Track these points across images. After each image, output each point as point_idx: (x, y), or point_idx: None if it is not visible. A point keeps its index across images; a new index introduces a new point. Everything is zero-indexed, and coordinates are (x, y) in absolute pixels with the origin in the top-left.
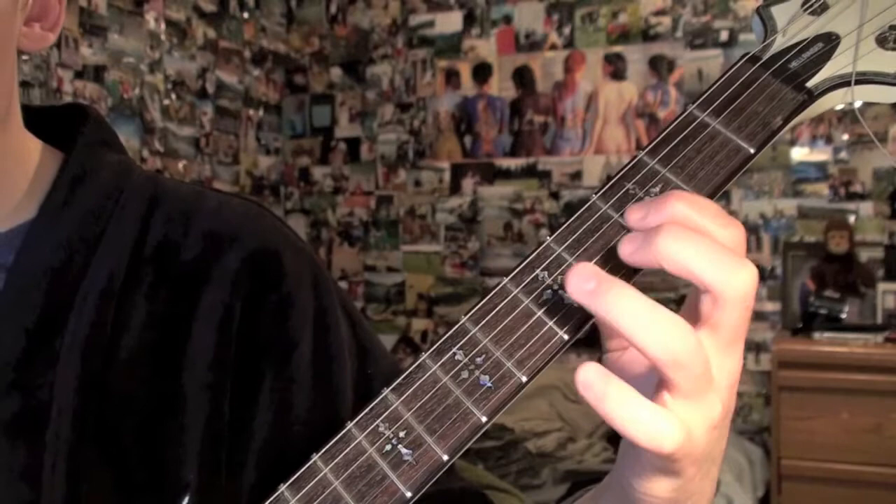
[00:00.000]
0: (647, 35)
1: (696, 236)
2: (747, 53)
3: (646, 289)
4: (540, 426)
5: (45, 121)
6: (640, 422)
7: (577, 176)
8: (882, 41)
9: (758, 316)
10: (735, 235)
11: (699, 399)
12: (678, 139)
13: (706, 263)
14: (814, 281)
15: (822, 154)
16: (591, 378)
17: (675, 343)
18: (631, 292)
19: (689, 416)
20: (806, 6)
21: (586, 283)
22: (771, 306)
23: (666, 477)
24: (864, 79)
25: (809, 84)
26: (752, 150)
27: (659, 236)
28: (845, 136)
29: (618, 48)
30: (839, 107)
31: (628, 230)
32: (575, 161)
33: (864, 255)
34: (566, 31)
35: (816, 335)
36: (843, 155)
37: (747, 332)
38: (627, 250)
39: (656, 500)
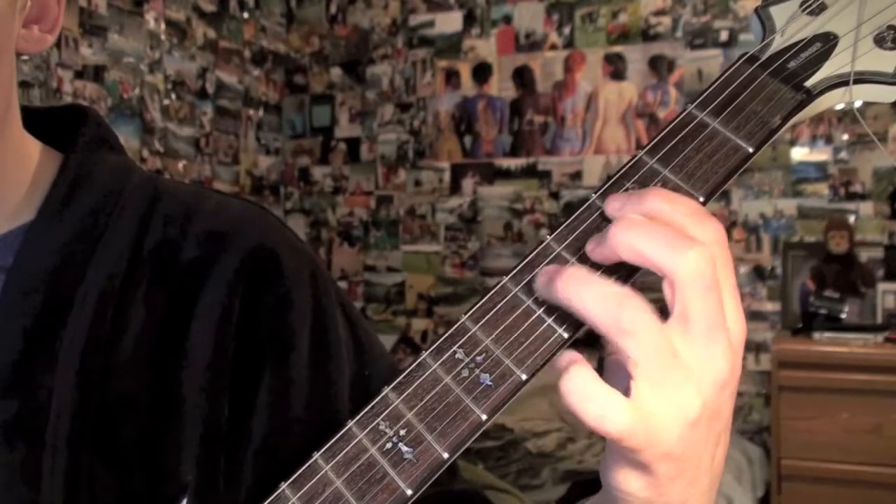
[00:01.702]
0: (647, 35)
1: (649, 224)
2: (746, 53)
3: (645, 289)
4: (540, 426)
5: (45, 122)
6: (589, 398)
7: (577, 176)
8: (880, 41)
9: (758, 316)
10: (712, 232)
11: (667, 385)
12: (677, 138)
13: (655, 247)
14: (814, 281)
15: (822, 154)
16: (563, 361)
17: (611, 306)
18: (578, 273)
19: (653, 403)
20: (804, 6)
21: (543, 279)
22: (771, 306)
23: (636, 472)
24: (863, 78)
25: (808, 83)
26: (750, 150)
27: (613, 228)
28: (845, 136)
29: (618, 48)
30: (839, 106)
31: None
32: (575, 161)
33: (864, 255)
34: (566, 31)
35: (816, 335)
36: (843, 155)
37: (727, 321)
38: (590, 247)
39: (631, 497)
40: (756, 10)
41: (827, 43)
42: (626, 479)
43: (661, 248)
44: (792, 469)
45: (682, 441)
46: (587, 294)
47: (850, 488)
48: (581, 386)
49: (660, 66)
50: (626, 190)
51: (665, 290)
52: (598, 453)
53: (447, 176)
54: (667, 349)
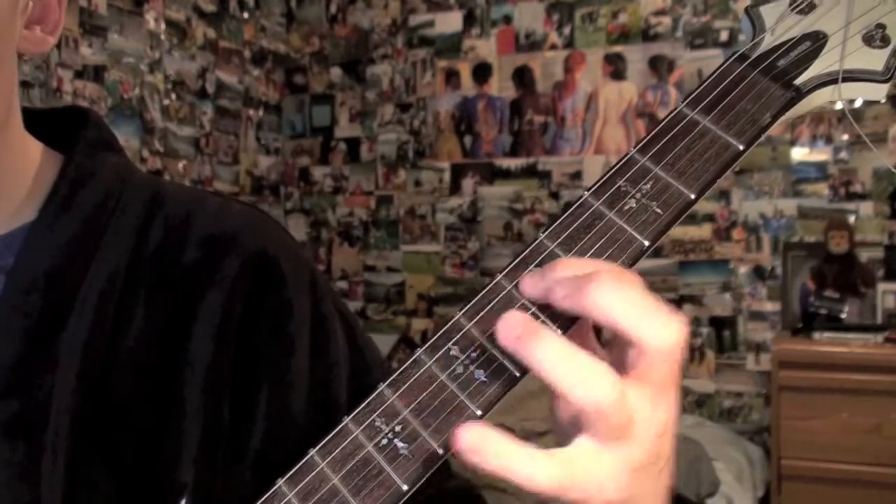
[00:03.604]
0: (647, 35)
1: (627, 288)
2: (736, 52)
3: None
4: (540, 426)
5: (45, 123)
6: (512, 460)
7: (576, 176)
8: (868, 39)
9: (758, 316)
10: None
11: (615, 444)
12: (668, 136)
13: (633, 317)
14: (814, 281)
15: (822, 154)
16: (472, 439)
17: (598, 393)
18: (553, 341)
19: (592, 458)
20: (794, 5)
21: (513, 331)
22: (771, 306)
23: None
24: (851, 76)
25: (797, 82)
26: (741, 147)
27: (591, 285)
28: (845, 136)
29: (618, 48)
30: (837, 107)
31: (622, 228)
32: (575, 161)
33: (864, 255)
34: (566, 31)
35: (816, 335)
36: (843, 155)
37: (679, 380)
38: (559, 294)
39: None
40: (746, 10)
41: (816, 41)
42: None
43: (638, 318)
44: (792, 469)
45: (624, 488)
46: (562, 367)
47: (850, 488)
48: (504, 456)
49: (660, 66)
50: (619, 188)
51: (630, 353)
52: None
53: (447, 176)
54: (623, 412)
